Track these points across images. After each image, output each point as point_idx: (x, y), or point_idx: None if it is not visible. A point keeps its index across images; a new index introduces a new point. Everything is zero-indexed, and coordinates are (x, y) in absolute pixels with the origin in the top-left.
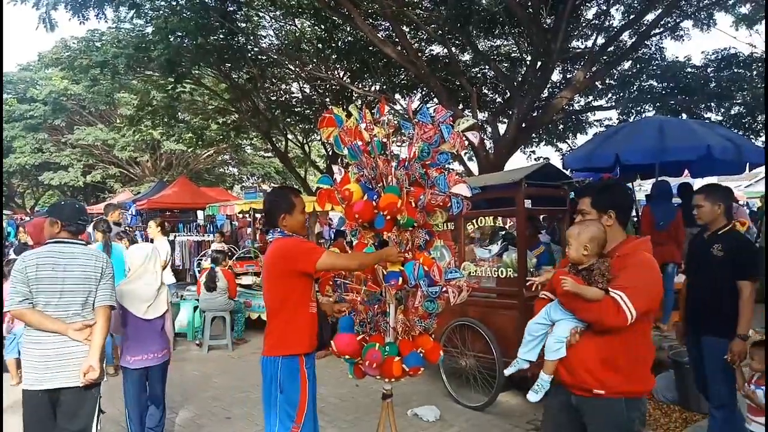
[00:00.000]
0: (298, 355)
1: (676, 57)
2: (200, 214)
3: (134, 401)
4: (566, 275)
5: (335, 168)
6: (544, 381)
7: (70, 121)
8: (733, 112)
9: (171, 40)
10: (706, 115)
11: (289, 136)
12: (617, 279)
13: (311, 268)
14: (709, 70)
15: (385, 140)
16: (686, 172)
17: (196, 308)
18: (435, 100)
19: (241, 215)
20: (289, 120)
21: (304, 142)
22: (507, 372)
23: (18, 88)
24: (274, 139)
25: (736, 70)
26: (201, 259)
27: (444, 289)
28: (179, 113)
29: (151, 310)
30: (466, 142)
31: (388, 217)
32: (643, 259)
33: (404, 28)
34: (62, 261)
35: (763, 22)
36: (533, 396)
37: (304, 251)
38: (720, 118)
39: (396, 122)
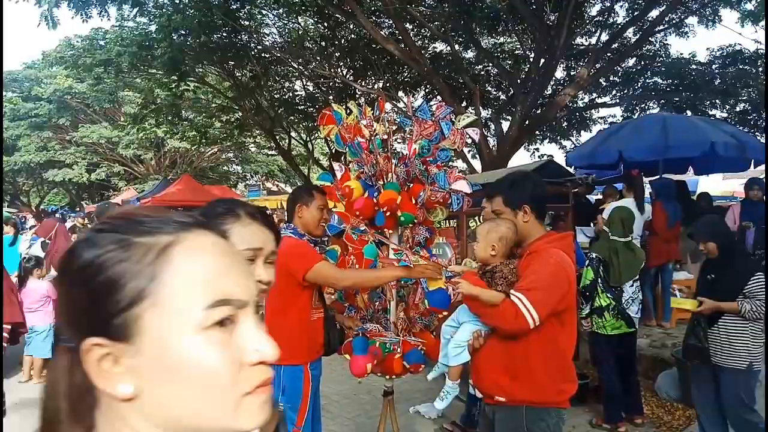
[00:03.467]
0: (302, 364)
1: (681, 54)
2: None
3: None
4: (473, 277)
5: (336, 165)
6: (450, 387)
7: (75, 120)
8: (738, 109)
9: (174, 38)
10: (710, 112)
11: (293, 134)
12: (521, 280)
13: (300, 275)
14: (714, 66)
15: (385, 137)
16: (690, 169)
17: None
18: (438, 97)
19: None
20: (292, 118)
21: (308, 140)
22: (430, 377)
23: (23, 86)
24: (277, 137)
25: (741, 67)
26: None
27: (445, 287)
28: (183, 111)
29: None
30: (468, 139)
31: (388, 214)
32: (549, 258)
33: (407, 25)
34: None
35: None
36: (439, 403)
37: (300, 255)
38: (725, 115)
39: (396, 119)
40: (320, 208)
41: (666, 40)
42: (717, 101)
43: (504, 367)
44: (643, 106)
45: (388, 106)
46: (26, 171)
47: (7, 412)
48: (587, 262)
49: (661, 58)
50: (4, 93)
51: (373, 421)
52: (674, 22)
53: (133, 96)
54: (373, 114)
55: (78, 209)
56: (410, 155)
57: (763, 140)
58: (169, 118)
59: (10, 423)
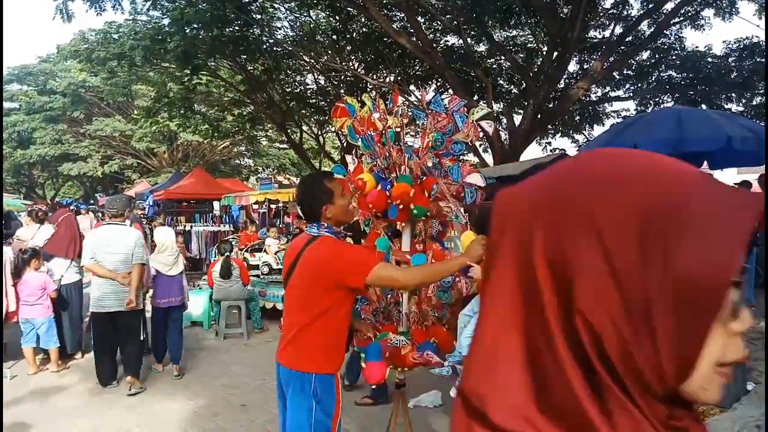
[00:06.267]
0: (334, 373)
1: (696, 47)
2: (216, 204)
3: (158, 329)
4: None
5: (349, 158)
6: None
7: (89, 113)
8: (754, 103)
9: (187, 31)
10: (726, 106)
11: (304, 128)
12: None
13: (361, 283)
14: (730, 59)
15: (398, 130)
16: (705, 163)
17: (211, 297)
18: (450, 91)
19: (256, 206)
20: (303, 111)
21: (319, 133)
22: (448, 362)
23: (38, 80)
24: (289, 131)
25: (759, 60)
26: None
27: (457, 279)
28: (195, 105)
29: (172, 270)
30: (481, 133)
31: (401, 207)
32: None
33: (419, 18)
34: (109, 235)
35: None
36: (453, 392)
37: (355, 262)
38: (741, 108)
39: (409, 113)
40: (343, 195)
41: (681, 32)
42: (733, 95)
43: None
44: (657, 99)
45: (401, 99)
46: (41, 164)
47: (33, 401)
48: None
49: (676, 51)
50: (20, 87)
51: (385, 413)
52: (690, 14)
53: (146, 89)
54: (386, 107)
55: (92, 201)
56: (423, 148)
57: None
58: (182, 111)
59: (26, 412)
